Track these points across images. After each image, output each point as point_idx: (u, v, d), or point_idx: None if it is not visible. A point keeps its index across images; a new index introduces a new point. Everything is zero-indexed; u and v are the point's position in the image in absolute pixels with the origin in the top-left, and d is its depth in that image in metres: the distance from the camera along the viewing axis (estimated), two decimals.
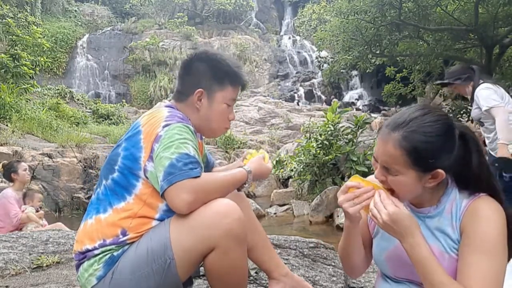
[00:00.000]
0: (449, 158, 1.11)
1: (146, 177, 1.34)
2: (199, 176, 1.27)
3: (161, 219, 1.35)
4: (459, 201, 1.15)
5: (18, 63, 10.68)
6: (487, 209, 1.10)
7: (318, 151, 6.69)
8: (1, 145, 7.04)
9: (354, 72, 22.13)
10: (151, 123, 1.37)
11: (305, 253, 2.25)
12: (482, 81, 3.38)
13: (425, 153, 1.08)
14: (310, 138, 7.41)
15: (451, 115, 3.46)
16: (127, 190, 1.36)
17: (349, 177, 3.87)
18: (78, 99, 16.27)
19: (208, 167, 1.73)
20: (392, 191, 1.15)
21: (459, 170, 1.15)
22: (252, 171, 1.46)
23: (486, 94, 3.26)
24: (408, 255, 1.09)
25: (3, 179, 5.85)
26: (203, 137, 1.68)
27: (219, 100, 1.51)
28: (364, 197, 1.15)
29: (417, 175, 1.10)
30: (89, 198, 4.79)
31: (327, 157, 6.51)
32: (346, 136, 6.74)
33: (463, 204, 1.14)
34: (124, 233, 1.32)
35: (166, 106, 1.48)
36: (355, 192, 1.17)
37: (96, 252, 1.32)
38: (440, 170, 1.10)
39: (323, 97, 22.98)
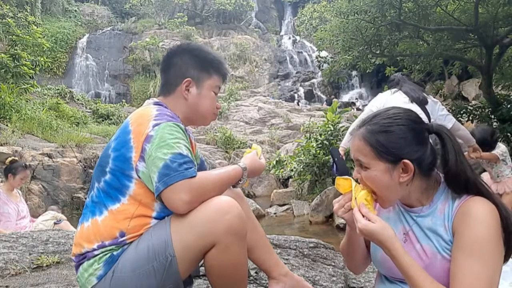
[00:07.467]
0: (416, 150, 1.11)
1: (139, 177, 1.33)
2: (195, 176, 1.27)
3: (158, 218, 1.34)
4: (452, 201, 1.14)
5: (18, 63, 10.65)
6: (479, 209, 1.07)
7: (318, 151, 6.70)
8: (1, 145, 7.02)
9: (354, 72, 22.13)
10: (139, 122, 1.35)
11: (305, 253, 2.25)
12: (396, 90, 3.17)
13: (386, 142, 1.11)
14: (310, 138, 7.42)
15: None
16: (120, 192, 1.34)
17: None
18: (78, 99, 16.28)
19: (201, 170, 1.73)
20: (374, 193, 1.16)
21: (444, 170, 1.15)
22: (247, 167, 1.46)
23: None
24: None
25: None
26: (194, 138, 1.68)
27: (207, 88, 1.52)
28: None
29: (386, 167, 1.12)
30: None
31: (327, 157, 6.51)
32: None
33: (455, 204, 1.12)
34: (122, 235, 1.31)
35: (155, 104, 1.47)
36: (345, 198, 1.18)
37: (95, 252, 1.32)
38: (407, 162, 1.10)
39: (323, 97, 22.99)
